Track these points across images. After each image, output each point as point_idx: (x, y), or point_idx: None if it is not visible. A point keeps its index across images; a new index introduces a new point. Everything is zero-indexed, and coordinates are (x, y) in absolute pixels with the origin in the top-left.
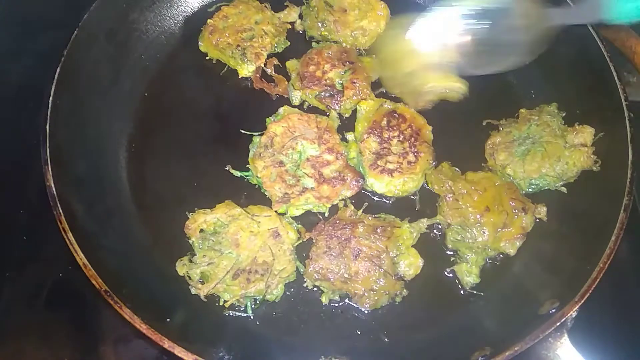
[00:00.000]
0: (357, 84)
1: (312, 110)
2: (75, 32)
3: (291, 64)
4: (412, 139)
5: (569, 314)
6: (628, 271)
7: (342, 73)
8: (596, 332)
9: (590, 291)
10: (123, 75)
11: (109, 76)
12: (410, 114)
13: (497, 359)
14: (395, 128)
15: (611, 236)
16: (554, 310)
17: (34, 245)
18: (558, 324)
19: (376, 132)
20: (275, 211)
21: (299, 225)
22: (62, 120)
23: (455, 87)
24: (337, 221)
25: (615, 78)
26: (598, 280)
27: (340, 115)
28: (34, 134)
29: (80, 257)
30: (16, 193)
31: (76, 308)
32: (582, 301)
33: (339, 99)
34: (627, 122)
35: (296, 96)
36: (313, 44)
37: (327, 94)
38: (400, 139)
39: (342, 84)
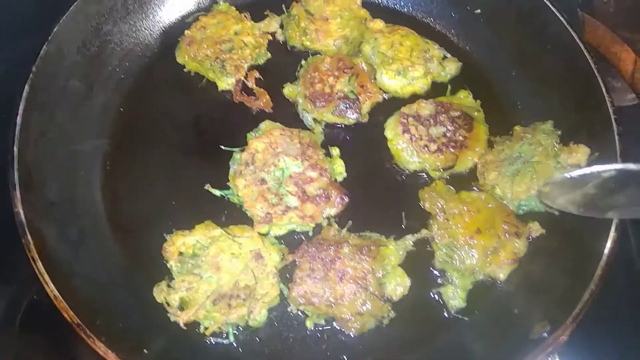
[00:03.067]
0: (366, 86)
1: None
2: (45, 45)
3: (290, 90)
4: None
5: (560, 338)
6: (621, 295)
7: (348, 81)
8: (588, 357)
9: (582, 314)
10: (96, 90)
11: (82, 91)
12: None
13: None
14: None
15: (602, 257)
16: (545, 335)
17: (7, 266)
18: (550, 348)
19: None
20: (258, 232)
21: (282, 246)
22: (32, 140)
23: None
24: (321, 241)
25: (604, 92)
26: (590, 303)
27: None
28: (3, 148)
29: (51, 289)
30: None
31: (52, 331)
32: (575, 324)
33: (356, 107)
34: (617, 137)
35: (309, 119)
36: (300, 61)
37: (344, 106)
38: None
39: (353, 91)
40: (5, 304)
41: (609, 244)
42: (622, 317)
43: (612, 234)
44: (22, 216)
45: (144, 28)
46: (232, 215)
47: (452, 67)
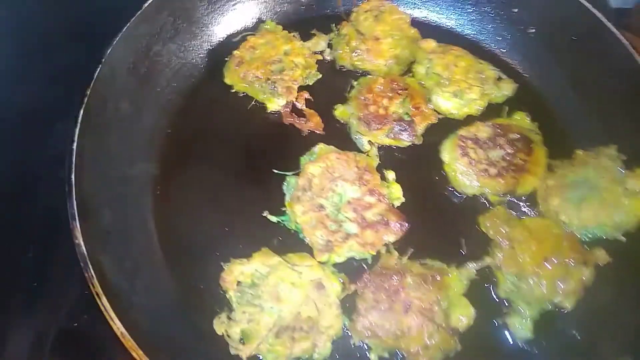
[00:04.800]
0: (420, 108)
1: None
2: (99, 68)
3: (342, 112)
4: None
5: None
6: None
7: (402, 103)
8: None
9: None
10: (146, 111)
11: (131, 113)
12: None
13: None
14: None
15: None
16: None
17: (31, 294)
18: None
19: None
20: (318, 260)
21: (342, 275)
22: (86, 167)
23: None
24: (383, 271)
25: None
26: None
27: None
28: (37, 164)
29: (118, 326)
30: (20, 232)
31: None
32: None
33: (412, 129)
34: None
35: (363, 141)
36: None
37: (398, 129)
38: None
39: (408, 113)
40: (34, 334)
41: None
42: None
43: None
44: (84, 248)
45: (192, 48)
46: (285, 240)
47: (507, 88)
